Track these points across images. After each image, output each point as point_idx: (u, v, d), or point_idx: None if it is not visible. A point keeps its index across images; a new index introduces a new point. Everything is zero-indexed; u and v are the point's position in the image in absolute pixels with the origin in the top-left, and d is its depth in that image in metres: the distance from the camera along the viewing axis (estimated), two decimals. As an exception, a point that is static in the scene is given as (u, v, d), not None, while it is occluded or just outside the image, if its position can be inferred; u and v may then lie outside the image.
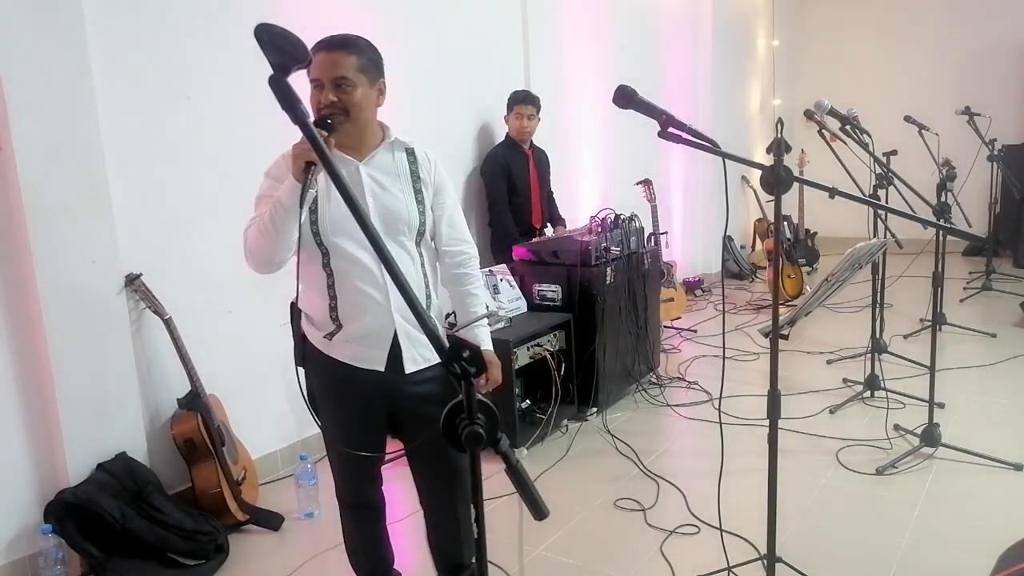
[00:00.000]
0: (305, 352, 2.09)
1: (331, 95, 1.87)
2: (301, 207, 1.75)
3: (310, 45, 1.62)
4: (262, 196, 1.94)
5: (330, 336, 2.00)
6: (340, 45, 1.89)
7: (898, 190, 3.50)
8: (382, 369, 2.02)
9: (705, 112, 7.03)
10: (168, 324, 2.87)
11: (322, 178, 1.88)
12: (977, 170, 6.72)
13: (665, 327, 5.29)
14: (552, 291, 3.97)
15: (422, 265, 2.06)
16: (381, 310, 1.98)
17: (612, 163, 5.88)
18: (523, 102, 4.45)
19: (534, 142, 4.64)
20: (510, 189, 4.48)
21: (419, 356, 2.04)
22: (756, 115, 8.25)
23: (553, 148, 4.90)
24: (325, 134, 1.78)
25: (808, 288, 6.10)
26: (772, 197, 2.01)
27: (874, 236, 4.01)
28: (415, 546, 2.80)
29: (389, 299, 1.97)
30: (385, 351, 2.01)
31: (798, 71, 9.05)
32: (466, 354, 1.12)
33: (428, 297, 2.09)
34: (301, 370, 2.10)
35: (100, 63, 2.73)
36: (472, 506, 1.19)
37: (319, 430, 2.15)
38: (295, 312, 2.10)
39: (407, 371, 2.03)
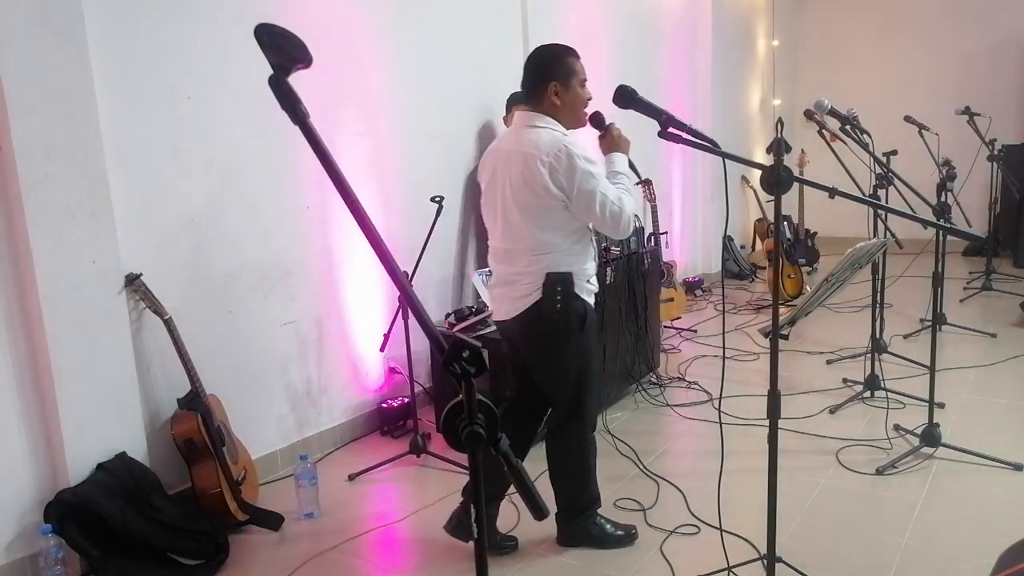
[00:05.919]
0: (587, 312, 2.49)
1: None
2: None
3: (310, 45, 1.62)
4: (597, 174, 2.51)
5: (593, 281, 2.56)
6: None
7: (898, 190, 3.50)
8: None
9: (705, 112, 7.02)
10: (168, 324, 2.87)
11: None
12: (977, 170, 6.71)
13: (665, 327, 5.29)
14: (552, 291, 3.96)
15: None
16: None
17: (612, 163, 5.86)
18: (520, 102, 4.44)
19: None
20: (509, 189, 4.48)
21: None
22: (756, 115, 8.25)
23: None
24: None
25: (808, 288, 6.10)
26: (772, 197, 2.01)
27: (874, 236, 4.01)
28: (423, 541, 2.81)
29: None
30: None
31: (798, 71, 9.05)
32: (466, 354, 1.11)
33: None
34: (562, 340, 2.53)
35: (100, 63, 2.73)
36: (472, 506, 1.19)
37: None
38: (568, 280, 2.43)
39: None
